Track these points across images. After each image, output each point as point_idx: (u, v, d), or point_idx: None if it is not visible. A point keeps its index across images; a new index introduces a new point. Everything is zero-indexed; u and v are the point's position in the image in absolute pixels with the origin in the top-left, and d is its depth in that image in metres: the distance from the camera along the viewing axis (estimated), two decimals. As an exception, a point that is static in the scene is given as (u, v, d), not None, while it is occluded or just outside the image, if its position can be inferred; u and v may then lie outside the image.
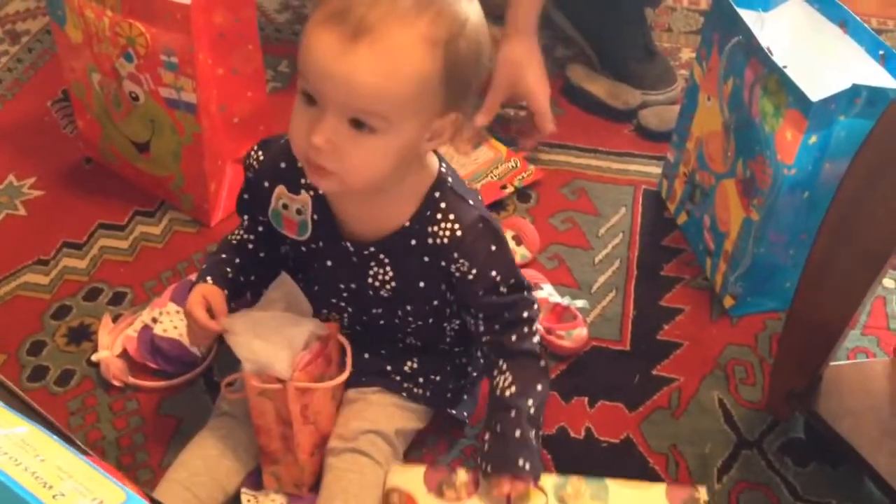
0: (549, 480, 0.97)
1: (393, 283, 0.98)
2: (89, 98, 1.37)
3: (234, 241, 1.05)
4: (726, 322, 1.25)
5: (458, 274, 0.96)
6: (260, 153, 1.00)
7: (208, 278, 1.01)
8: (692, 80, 1.32)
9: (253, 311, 1.00)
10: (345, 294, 1.02)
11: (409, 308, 1.01)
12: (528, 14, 1.39)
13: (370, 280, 0.99)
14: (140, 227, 1.35)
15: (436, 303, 1.01)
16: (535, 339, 0.99)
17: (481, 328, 0.98)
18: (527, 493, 0.94)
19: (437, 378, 1.06)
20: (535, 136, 1.47)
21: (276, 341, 0.94)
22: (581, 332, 1.19)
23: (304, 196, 0.97)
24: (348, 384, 1.02)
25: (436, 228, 0.94)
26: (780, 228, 1.16)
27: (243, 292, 1.05)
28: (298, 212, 0.97)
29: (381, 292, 1.00)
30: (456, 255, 0.94)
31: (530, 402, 0.96)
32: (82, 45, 1.30)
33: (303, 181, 0.96)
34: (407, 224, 0.94)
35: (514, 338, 0.97)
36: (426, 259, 0.96)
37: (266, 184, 0.99)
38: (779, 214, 1.14)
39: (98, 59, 1.29)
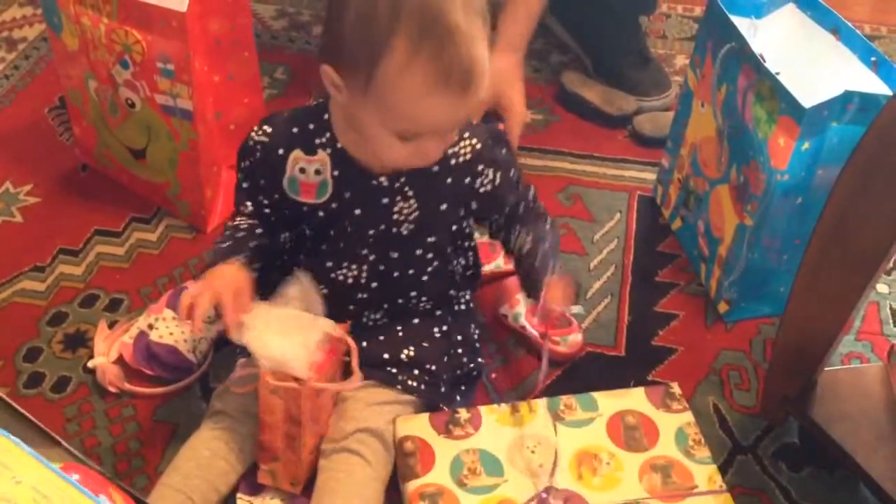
0: (541, 403, 1.07)
1: (416, 214, 1.02)
2: (85, 105, 1.38)
3: (244, 227, 1.05)
4: (721, 327, 1.25)
5: (483, 187, 1.04)
6: (265, 127, 1.02)
7: (234, 259, 0.99)
8: (686, 86, 1.33)
9: (268, 306, 0.99)
10: (371, 240, 1.03)
11: (429, 240, 1.05)
12: (522, 32, 1.41)
13: (395, 216, 1.02)
14: (136, 234, 1.36)
15: (454, 228, 1.06)
16: (541, 209, 1.13)
17: (500, 220, 1.11)
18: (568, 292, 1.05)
19: (433, 368, 1.07)
20: None
21: (294, 340, 0.94)
22: (576, 338, 1.19)
23: (322, 155, 0.99)
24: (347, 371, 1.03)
25: (456, 149, 1.01)
26: (773, 234, 1.17)
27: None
28: (317, 172, 0.99)
29: (403, 229, 1.03)
30: (481, 167, 1.03)
31: (546, 244, 1.08)
32: (78, 53, 1.31)
33: (317, 141, 0.99)
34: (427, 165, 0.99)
35: (521, 211, 1.11)
36: (449, 181, 1.02)
37: (280, 151, 1.00)
38: (772, 220, 1.15)
39: (94, 66, 1.30)
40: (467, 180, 1.03)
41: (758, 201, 1.14)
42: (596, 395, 1.08)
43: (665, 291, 1.30)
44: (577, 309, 1.22)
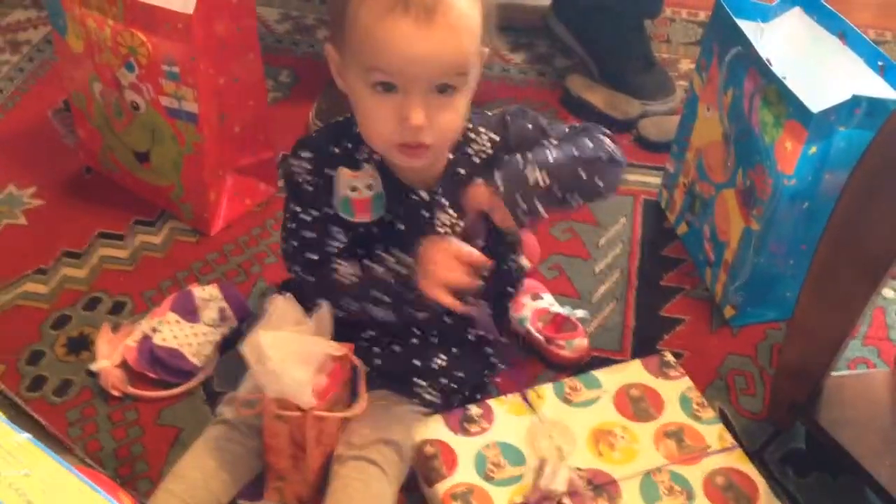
0: (547, 388, 1.09)
1: (459, 223, 0.99)
2: (90, 108, 1.37)
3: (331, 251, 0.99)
4: (727, 332, 1.25)
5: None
6: (303, 153, 0.98)
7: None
8: (692, 90, 1.32)
9: (269, 329, 0.96)
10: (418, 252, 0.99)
11: (480, 245, 0.99)
12: None
13: (439, 230, 0.99)
14: (140, 237, 1.35)
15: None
16: (611, 146, 1.00)
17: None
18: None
19: (462, 375, 1.06)
20: None
21: (298, 368, 0.93)
22: (581, 342, 1.19)
23: (368, 168, 0.97)
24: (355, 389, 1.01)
25: (475, 147, 1.00)
26: (780, 239, 1.16)
27: None
28: (369, 186, 0.97)
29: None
30: (506, 157, 0.96)
31: (552, 151, 0.95)
32: (83, 55, 1.30)
33: (358, 157, 0.97)
34: (451, 157, 0.98)
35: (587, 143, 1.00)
36: (479, 180, 0.95)
37: (327, 170, 0.97)
38: (779, 225, 1.14)
39: (99, 68, 1.30)
40: (492, 172, 0.96)
41: (764, 206, 1.14)
42: (596, 372, 1.12)
43: (670, 296, 1.29)
44: (581, 313, 1.22)
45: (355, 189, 0.97)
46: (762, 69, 1.12)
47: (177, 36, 1.18)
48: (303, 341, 0.95)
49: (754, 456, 1.08)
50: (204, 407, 1.12)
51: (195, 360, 1.14)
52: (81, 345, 1.19)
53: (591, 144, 0.99)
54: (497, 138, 1.00)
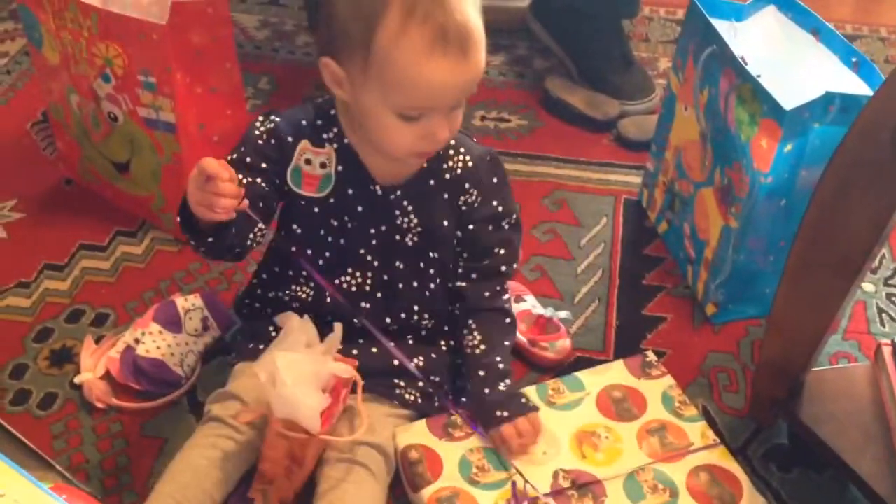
0: (530, 391, 1.09)
1: (419, 229, 1.02)
2: (68, 119, 1.37)
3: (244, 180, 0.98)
4: (708, 330, 1.25)
5: (465, 205, 1.03)
6: (272, 116, 1.02)
7: None
8: (669, 89, 1.33)
9: (283, 349, 0.97)
10: (374, 242, 1.03)
11: (432, 255, 1.04)
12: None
13: (398, 222, 1.02)
14: (122, 248, 1.35)
15: (455, 242, 1.05)
16: (506, 296, 1.08)
17: (459, 269, 1.07)
18: (528, 426, 1.02)
19: (438, 379, 1.07)
20: None
21: (311, 395, 0.94)
22: (564, 343, 1.19)
23: (329, 149, 1.00)
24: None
25: (450, 163, 1.02)
26: (758, 235, 1.17)
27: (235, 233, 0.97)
28: (322, 165, 1.00)
29: (408, 239, 1.03)
30: (467, 185, 1.03)
31: (498, 358, 1.05)
32: (59, 67, 1.30)
33: (325, 135, 1.00)
34: (424, 164, 1.00)
35: (487, 293, 1.07)
36: (445, 196, 1.02)
37: (289, 139, 1.00)
38: (757, 222, 1.15)
39: (76, 80, 1.29)
40: (455, 194, 1.03)
41: (742, 203, 1.14)
42: (579, 374, 1.12)
43: (652, 295, 1.30)
44: (564, 314, 1.23)
45: (310, 162, 1.00)
46: (737, 68, 1.12)
47: (151, 46, 1.18)
48: (315, 363, 0.96)
49: (737, 452, 1.09)
50: (188, 417, 1.11)
51: (179, 371, 1.14)
52: (65, 357, 1.19)
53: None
54: (472, 164, 1.03)
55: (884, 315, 1.28)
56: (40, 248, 1.34)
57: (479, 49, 0.89)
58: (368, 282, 1.05)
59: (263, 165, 1.01)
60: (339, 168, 1.00)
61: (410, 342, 1.08)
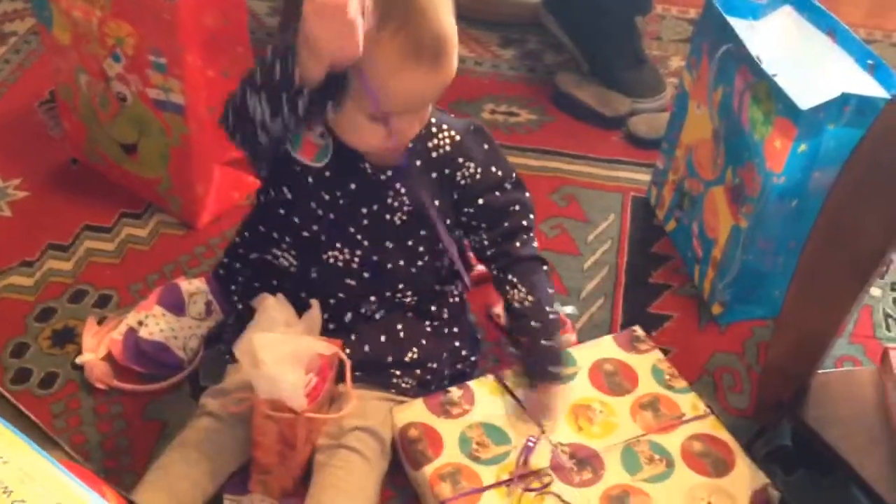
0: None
1: (409, 207, 1.02)
2: (76, 100, 1.36)
3: None
4: (714, 329, 1.25)
5: (464, 180, 1.03)
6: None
7: None
8: (682, 87, 1.32)
9: (260, 330, 0.97)
10: (364, 222, 1.02)
11: (422, 233, 1.03)
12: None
13: (389, 201, 1.01)
14: (126, 230, 1.34)
15: (448, 222, 1.05)
16: (535, 244, 1.07)
17: (485, 241, 1.06)
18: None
19: (435, 366, 1.07)
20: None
21: (292, 371, 0.93)
22: (570, 339, 1.19)
23: (324, 130, 0.99)
24: (338, 381, 1.02)
25: (435, 141, 1.02)
26: (768, 236, 1.16)
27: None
28: (322, 136, 0.99)
29: (396, 218, 1.02)
30: (461, 159, 1.02)
31: (547, 308, 1.04)
32: (69, 47, 1.29)
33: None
34: (409, 146, 0.99)
35: (517, 244, 1.06)
36: (434, 175, 1.02)
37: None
38: (767, 222, 1.14)
39: (86, 59, 1.28)
40: (447, 171, 1.03)
41: (753, 203, 1.14)
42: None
43: (658, 293, 1.29)
44: (570, 309, 1.22)
45: (311, 129, 0.99)
46: (752, 66, 1.12)
47: (163, 27, 1.17)
48: (294, 342, 0.95)
49: (741, 453, 1.09)
50: (190, 401, 1.11)
51: (181, 354, 1.14)
52: (67, 337, 1.19)
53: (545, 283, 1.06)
54: (458, 138, 1.03)
55: (890, 319, 1.28)
56: (45, 227, 1.34)
57: (451, 56, 0.89)
58: (356, 259, 1.04)
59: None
60: (335, 144, 0.99)
61: (402, 334, 1.07)
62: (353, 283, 1.05)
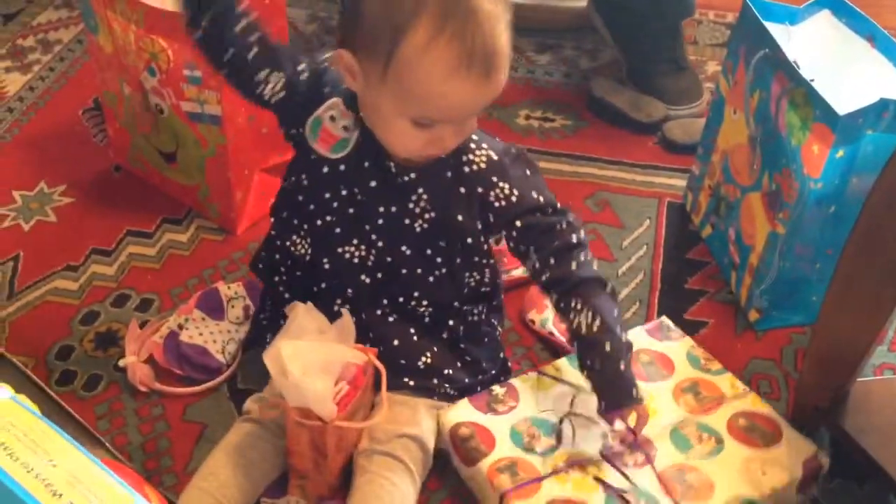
0: (562, 362, 1.11)
1: (431, 214, 1.00)
2: (119, 107, 1.39)
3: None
4: (751, 336, 1.24)
5: (498, 201, 1.00)
6: (323, 65, 1.01)
7: None
8: (718, 92, 1.32)
9: (289, 338, 0.97)
10: (381, 221, 1.01)
11: (441, 244, 1.01)
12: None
13: (411, 206, 1.00)
14: (167, 235, 1.37)
15: (469, 241, 1.02)
16: (595, 264, 1.01)
17: (536, 264, 1.00)
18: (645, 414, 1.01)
19: (450, 372, 1.06)
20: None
21: (319, 380, 0.93)
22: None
23: (357, 115, 0.98)
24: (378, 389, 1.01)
25: (471, 157, 0.99)
26: (805, 242, 1.15)
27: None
28: (346, 128, 0.98)
29: (416, 225, 1.00)
30: (495, 178, 0.99)
31: (618, 329, 0.98)
32: (112, 56, 1.32)
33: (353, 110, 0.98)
34: (444, 156, 0.97)
35: (573, 266, 0.99)
36: (462, 190, 0.99)
37: (326, 89, 0.99)
38: (805, 228, 1.13)
39: (126, 70, 1.31)
40: (480, 190, 0.99)
41: (790, 209, 1.13)
42: None
43: (694, 299, 1.29)
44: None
45: (333, 119, 0.98)
46: (789, 72, 1.11)
47: (200, 39, 1.19)
48: (324, 350, 0.95)
49: (777, 461, 1.08)
50: (228, 404, 1.13)
51: (220, 358, 1.16)
52: (110, 341, 1.21)
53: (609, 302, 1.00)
54: (496, 158, 1.00)
55: (931, 328, 1.26)
56: (88, 232, 1.37)
57: (502, 70, 0.88)
58: (371, 258, 1.03)
59: (296, 99, 0.99)
60: (360, 139, 0.98)
61: (415, 338, 1.06)
62: (366, 280, 1.04)
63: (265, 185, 1.37)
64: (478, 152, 0.99)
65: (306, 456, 0.98)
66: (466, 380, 1.08)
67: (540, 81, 1.70)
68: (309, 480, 1.00)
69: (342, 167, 0.99)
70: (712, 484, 0.98)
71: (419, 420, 1.02)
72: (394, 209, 1.00)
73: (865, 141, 1.05)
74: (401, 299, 1.05)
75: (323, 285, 1.06)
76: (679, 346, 1.14)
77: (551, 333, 1.20)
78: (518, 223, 1.00)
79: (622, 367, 0.97)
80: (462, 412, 1.05)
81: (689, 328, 1.24)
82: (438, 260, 1.03)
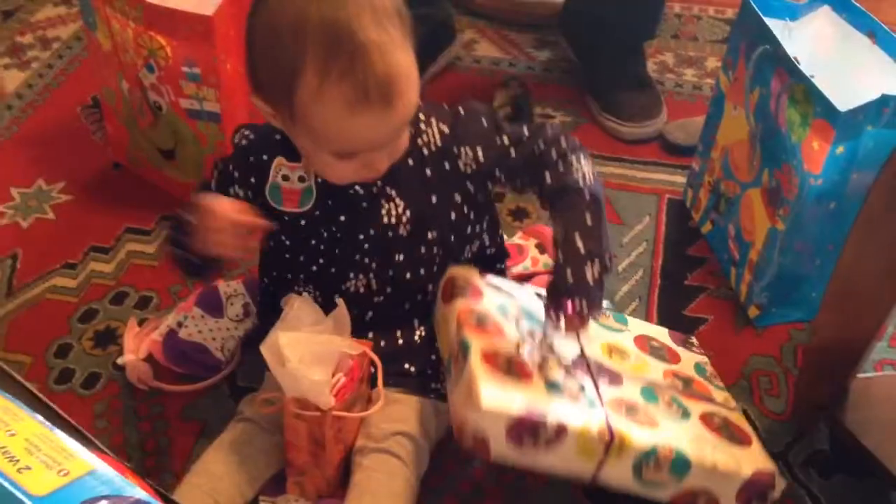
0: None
1: (408, 213, 0.99)
2: (118, 104, 1.39)
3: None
4: (751, 332, 1.24)
5: (468, 167, 0.99)
6: (246, 132, 1.01)
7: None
8: (718, 89, 1.31)
9: (285, 329, 0.97)
10: (366, 246, 1.01)
11: (430, 236, 1.01)
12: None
13: (385, 220, 0.99)
14: (167, 232, 1.36)
15: (453, 217, 1.01)
16: (580, 172, 0.96)
17: (536, 190, 0.99)
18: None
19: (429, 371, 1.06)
20: None
21: (316, 370, 0.93)
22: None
23: (305, 162, 0.98)
24: (375, 384, 1.02)
25: (424, 138, 0.98)
26: (805, 238, 1.15)
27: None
28: (301, 179, 0.98)
29: (400, 230, 1.00)
30: (455, 149, 0.99)
31: (578, 238, 0.93)
32: (111, 53, 1.32)
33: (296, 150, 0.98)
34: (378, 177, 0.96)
35: (549, 177, 0.97)
36: (429, 172, 0.99)
37: (264, 156, 0.99)
38: (805, 224, 1.13)
39: (125, 67, 1.31)
40: (447, 165, 0.99)
41: (790, 205, 1.13)
42: (627, 315, 1.15)
43: (694, 295, 1.29)
44: (605, 304, 1.22)
45: (287, 178, 0.98)
46: (790, 68, 1.11)
47: (197, 38, 1.19)
48: (320, 341, 0.95)
49: (777, 457, 1.08)
50: (228, 401, 1.13)
51: (219, 355, 1.16)
52: (108, 338, 1.21)
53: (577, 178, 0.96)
54: (447, 131, 0.99)
55: (931, 324, 1.26)
56: (87, 230, 1.37)
57: (405, 93, 0.86)
58: (373, 282, 1.03)
59: (240, 192, 1.00)
60: (319, 180, 0.98)
61: (416, 338, 1.06)
62: (381, 300, 1.04)
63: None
64: (429, 130, 0.99)
65: (304, 449, 0.98)
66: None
67: (539, 77, 1.70)
68: (307, 477, 1.00)
69: (316, 212, 1.00)
70: (656, 423, 0.93)
71: (415, 418, 1.02)
72: (372, 232, 1.00)
73: (866, 137, 1.05)
74: (419, 297, 1.05)
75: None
76: (692, 356, 1.12)
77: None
78: (497, 172, 1.00)
79: (569, 272, 0.92)
80: (468, 273, 1.02)
81: (689, 325, 1.24)
82: (434, 251, 1.03)
